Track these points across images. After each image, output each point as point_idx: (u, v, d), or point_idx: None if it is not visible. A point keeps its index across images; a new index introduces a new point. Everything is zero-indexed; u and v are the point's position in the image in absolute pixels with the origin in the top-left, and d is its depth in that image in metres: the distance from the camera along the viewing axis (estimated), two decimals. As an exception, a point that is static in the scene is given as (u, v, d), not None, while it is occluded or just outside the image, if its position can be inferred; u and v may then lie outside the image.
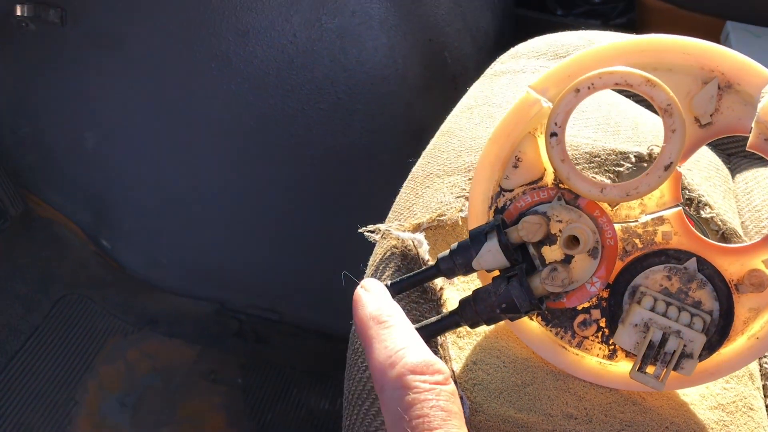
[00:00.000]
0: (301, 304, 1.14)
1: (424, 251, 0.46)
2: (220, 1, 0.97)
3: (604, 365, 0.41)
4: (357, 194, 1.06)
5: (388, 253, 0.49)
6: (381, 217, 0.62)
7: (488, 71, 0.70)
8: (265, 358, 1.11)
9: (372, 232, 0.51)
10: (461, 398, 0.40)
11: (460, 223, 0.51)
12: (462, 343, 0.43)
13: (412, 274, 0.42)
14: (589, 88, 0.35)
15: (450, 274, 0.40)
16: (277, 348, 1.12)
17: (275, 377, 1.08)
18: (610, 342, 0.40)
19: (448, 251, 0.40)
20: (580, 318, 0.40)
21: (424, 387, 0.32)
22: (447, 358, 0.42)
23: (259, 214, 1.09)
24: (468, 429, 0.39)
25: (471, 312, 0.38)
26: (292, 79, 0.98)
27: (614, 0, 1.57)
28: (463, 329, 0.45)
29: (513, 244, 0.38)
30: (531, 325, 0.42)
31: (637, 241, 0.39)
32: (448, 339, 0.43)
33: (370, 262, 0.52)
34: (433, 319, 0.40)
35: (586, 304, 0.40)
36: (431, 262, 0.46)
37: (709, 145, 0.67)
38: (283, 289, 1.14)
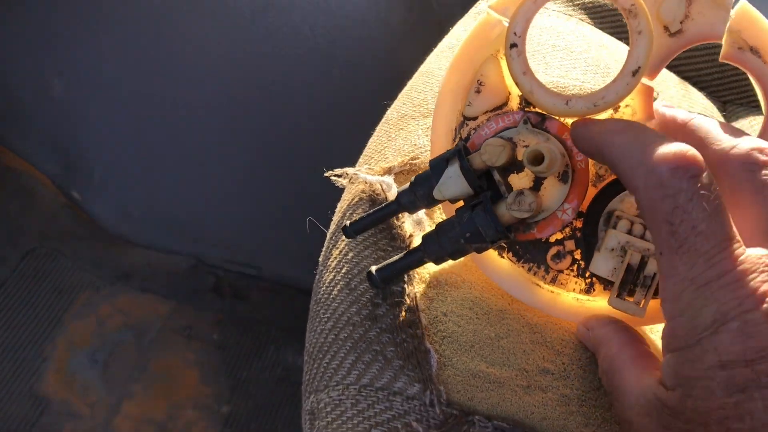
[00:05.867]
0: (280, 259, 1.11)
1: (393, 195, 0.43)
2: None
3: (581, 302, 0.38)
4: (338, 144, 1.01)
5: (356, 199, 0.46)
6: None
7: (472, 10, 0.66)
8: (242, 314, 1.07)
9: (339, 176, 0.47)
10: (428, 352, 0.37)
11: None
12: (432, 293, 0.40)
13: (371, 211, 0.39)
14: None
15: (412, 208, 0.37)
16: (254, 304, 1.09)
17: (252, 334, 1.05)
18: (587, 275, 0.37)
19: (408, 184, 0.37)
20: (553, 250, 0.37)
21: None
22: (414, 308, 0.38)
23: (236, 166, 1.05)
24: (435, 384, 0.36)
25: (434, 245, 0.36)
26: (268, 22, 0.93)
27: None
28: (433, 278, 0.42)
29: (477, 170, 0.34)
30: (502, 263, 0.39)
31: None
32: (416, 289, 0.39)
33: (337, 208, 0.48)
34: (396, 257, 0.38)
35: (559, 235, 0.37)
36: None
37: (704, 92, 0.63)
38: (262, 244, 1.10)
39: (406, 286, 0.39)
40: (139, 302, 1.06)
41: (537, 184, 0.36)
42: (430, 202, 0.36)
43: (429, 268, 0.42)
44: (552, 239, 0.38)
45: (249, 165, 1.04)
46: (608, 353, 0.34)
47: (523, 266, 0.38)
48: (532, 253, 0.38)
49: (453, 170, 0.34)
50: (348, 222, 0.39)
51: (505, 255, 0.39)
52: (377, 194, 0.43)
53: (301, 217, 1.08)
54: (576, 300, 0.38)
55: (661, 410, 0.28)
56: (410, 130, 0.50)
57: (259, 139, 1.02)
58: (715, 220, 0.26)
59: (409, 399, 0.36)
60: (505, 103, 0.37)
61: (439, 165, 0.35)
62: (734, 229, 0.26)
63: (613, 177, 0.36)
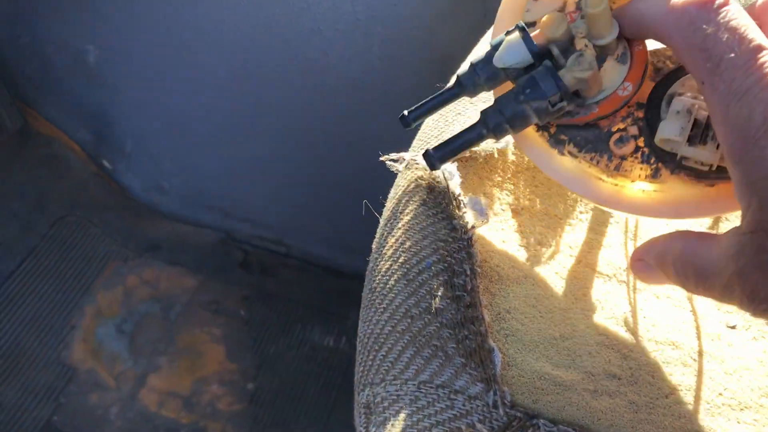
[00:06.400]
0: (309, 238, 1.09)
1: (455, 184, 0.41)
2: None
3: (647, 193, 0.35)
4: (374, 125, 0.99)
5: (412, 185, 0.44)
6: (399, 149, 0.57)
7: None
8: (269, 291, 1.07)
9: (395, 161, 0.46)
10: (492, 350, 0.35)
11: (496, 155, 0.45)
12: (494, 288, 0.38)
13: (430, 98, 0.38)
14: None
15: (472, 91, 0.37)
16: (282, 281, 1.08)
17: (279, 311, 1.05)
18: (651, 160, 0.35)
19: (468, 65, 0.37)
20: (616, 136, 0.36)
21: None
22: (477, 304, 0.37)
23: (268, 143, 1.03)
24: (499, 384, 0.35)
25: (493, 114, 0.35)
26: (309, -2, 0.91)
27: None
28: (494, 272, 0.40)
29: (537, 46, 0.35)
30: (563, 160, 0.37)
31: (668, 62, 0.36)
32: (480, 284, 0.38)
33: (390, 195, 0.47)
34: (452, 136, 0.37)
35: (621, 125, 0.36)
36: (463, 198, 0.41)
37: None
38: (292, 221, 1.09)
39: (467, 279, 0.37)
40: (167, 275, 1.06)
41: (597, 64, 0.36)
42: (492, 82, 0.36)
43: (489, 260, 0.40)
44: (614, 128, 0.36)
45: (282, 141, 1.03)
46: (675, 253, 0.33)
47: (584, 156, 0.36)
48: (594, 142, 0.36)
49: (513, 37, 0.34)
50: (406, 111, 0.39)
51: (565, 150, 0.37)
52: (437, 182, 0.42)
53: (332, 196, 1.07)
54: (642, 192, 0.35)
55: (747, 245, 0.28)
56: (469, 114, 0.48)
57: (293, 116, 1.00)
58: (746, 35, 0.28)
59: (471, 399, 0.34)
60: (563, 8, 0.37)
61: (500, 43, 0.35)
62: (766, 38, 0.28)
63: (671, 67, 0.36)
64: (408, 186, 0.44)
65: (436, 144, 0.37)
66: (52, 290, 1.00)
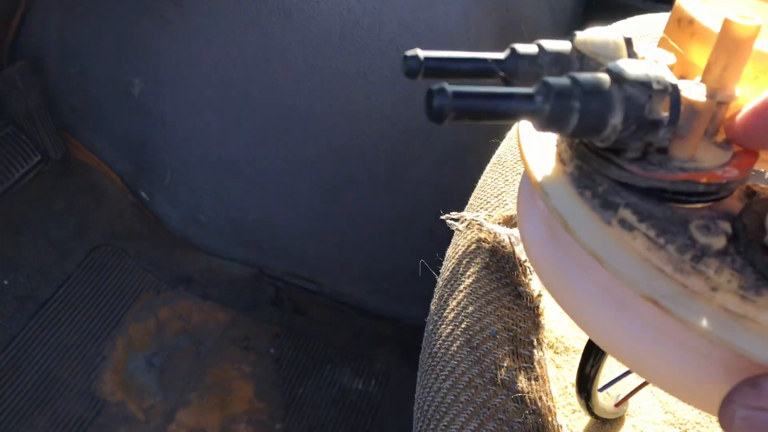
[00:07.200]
0: (341, 276, 1.09)
1: (521, 250, 0.40)
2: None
3: (730, 313, 0.24)
4: (412, 171, 1.00)
5: (472, 246, 0.43)
6: (439, 199, 0.56)
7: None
8: (300, 329, 1.06)
9: (456, 220, 0.45)
10: (561, 428, 0.34)
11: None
12: (560, 360, 0.38)
13: (459, 55, 0.27)
14: None
15: (524, 73, 0.27)
16: (313, 320, 1.08)
17: (309, 350, 1.04)
18: (748, 272, 0.24)
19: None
20: (699, 221, 0.25)
21: None
22: (545, 377, 0.36)
23: (306, 180, 1.04)
24: (567, 465, 0.34)
25: (561, 83, 0.24)
26: (355, 40, 0.92)
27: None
28: (559, 342, 0.39)
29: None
30: (607, 231, 0.26)
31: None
32: (546, 355, 0.37)
33: (449, 253, 0.46)
34: (482, 91, 0.23)
35: (707, 209, 0.26)
36: (529, 264, 0.40)
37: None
38: (325, 260, 1.09)
39: (534, 350, 0.37)
40: (199, 308, 1.05)
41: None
42: (557, 67, 0.28)
43: (554, 330, 0.40)
44: (700, 206, 0.26)
45: (320, 180, 1.03)
46: None
47: (645, 232, 0.25)
48: (662, 220, 0.25)
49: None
50: (420, 52, 0.26)
51: (615, 218, 0.26)
52: (502, 246, 0.41)
53: (367, 237, 1.07)
54: (724, 310, 0.24)
55: None
56: (529, 176, 0.47)
57: (334, 155, 1.00)
58: None
59: (538, 477, 0.33)
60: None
61: None
62: None
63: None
64: (468, 247, 0.44)
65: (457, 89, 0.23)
66: (84, 319, 1.00)
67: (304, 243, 1.09)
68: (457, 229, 0.46)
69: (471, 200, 0.50)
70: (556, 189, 0.27)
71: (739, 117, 0.26)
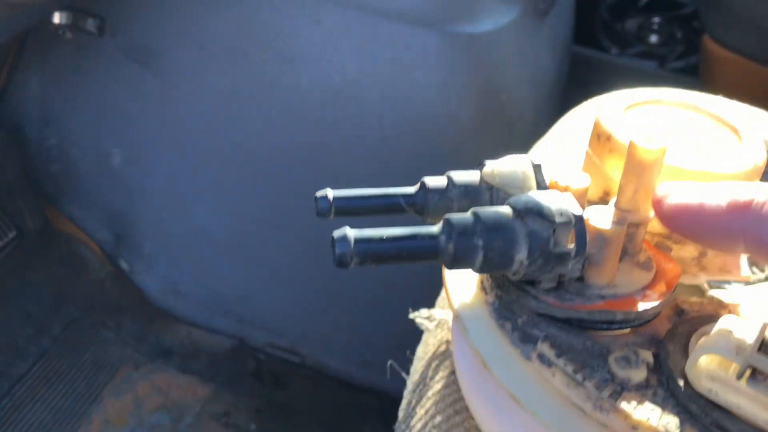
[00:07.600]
0: (324, 348, 1.07)
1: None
2: (267, 25, 0.91)
3: None
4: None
5: (442, 347, 0.42)
6: (424, 271, 0.54)
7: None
8: (281, 403, 1.03)
9: (426, 318, 0.44)
10: None
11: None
12: None
13: (367, 192, 0.29)
14: None
15: (432, 208, 0.28)
16: (295, 394, 1.05)
17: (291, 427, 1.01)
18: (669, 406, 0.23)
19: None
20: (620, 353, 0.25)
21: None
22: None
23: (288, 251, 1.02)
24: None
25: (464, 221, 0.24)
26: (337, 111, 0.92)
27: (672, 42, 1.49)
28: None
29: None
30: (526, 367, 0.26)
31: (693, 306, 0.28)
32: None
33: (419, 353, 0.44)
34: (386, 235, 0.24)
35: (628, 337, 0.25)
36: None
37: None
38: (306, 331, 1.07)
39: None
40: (178, 382, 1.03)
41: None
42: (466, 200, 0.28)
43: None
44: (616, 348, 0.25)
45: (301, 251, 1.01)
46: None
47: (563, 368, 0.24)
48: (581, 353, 0.25)
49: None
50: (329, 192, 0.28)
51: (535, 353, 0.25)
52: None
53: (350, 309, 1.05)
54: None
55: None
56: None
57: (314, 228, 0.99)
58: None
59: None
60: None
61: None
62: None
63: (697, 313, 0.28)
64: (438, 347, 0.42)
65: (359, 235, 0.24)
66: (60, 397, 0.97)
67: (286, 313, 1.07)
68: (427, 328, 0.44)
69: (439, 300, 0.48)
70: (477, 322, 0.27)
71: (666, 205, 0.26)
